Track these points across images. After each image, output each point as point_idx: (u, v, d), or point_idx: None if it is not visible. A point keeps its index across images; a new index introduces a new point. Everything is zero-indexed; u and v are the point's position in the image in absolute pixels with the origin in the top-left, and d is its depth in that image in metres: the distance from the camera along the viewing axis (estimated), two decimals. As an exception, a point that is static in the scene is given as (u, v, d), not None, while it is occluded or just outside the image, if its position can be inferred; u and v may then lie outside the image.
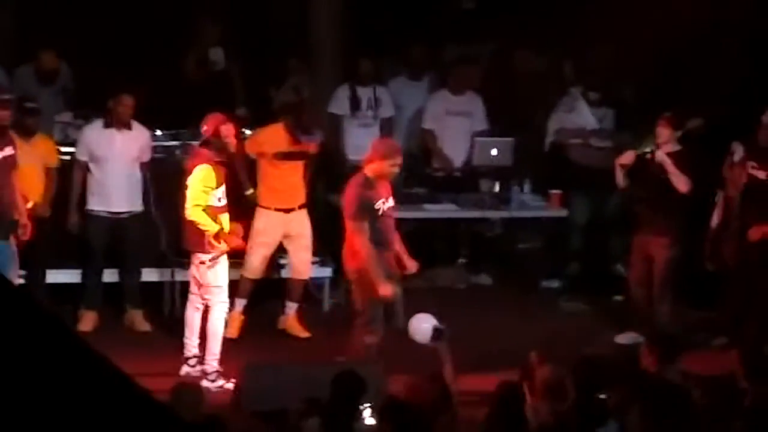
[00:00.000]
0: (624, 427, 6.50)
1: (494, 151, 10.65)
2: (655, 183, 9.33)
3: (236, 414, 7.61)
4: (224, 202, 8.45)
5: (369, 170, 8.36)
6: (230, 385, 8.30)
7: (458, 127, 11.07)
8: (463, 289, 10.61)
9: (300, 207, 9.54)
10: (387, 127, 11.17)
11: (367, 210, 8.23)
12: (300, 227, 9.53)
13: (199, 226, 8.32)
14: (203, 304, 8.56)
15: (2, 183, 8.34)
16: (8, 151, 8.43)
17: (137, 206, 9.59)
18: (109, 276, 9.72)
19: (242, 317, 9.54)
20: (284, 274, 9.83)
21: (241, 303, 9.53)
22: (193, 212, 8.31)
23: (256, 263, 9.51)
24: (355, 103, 11.08)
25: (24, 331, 2.68)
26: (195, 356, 8.58)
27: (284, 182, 9.46)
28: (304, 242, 9.55)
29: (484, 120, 11.15)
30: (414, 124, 11.39)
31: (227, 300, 8.61)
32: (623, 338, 9.50)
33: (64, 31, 10.84)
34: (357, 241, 8.22)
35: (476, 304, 9.45)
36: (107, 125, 9.45)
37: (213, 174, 8.33)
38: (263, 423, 7.24)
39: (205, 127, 8.48)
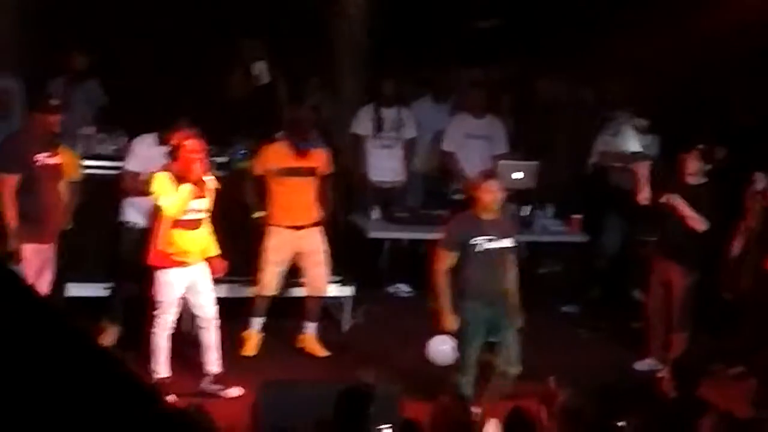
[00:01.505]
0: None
1: (517, 174, 10.66)
2: (669, 220, 9.35)
3: (252, 430, 7.63)
4: (193, 217, 8.42)
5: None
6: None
7: (478, 150, 11.08)
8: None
9: (312, 224, 9.48)
10: (409, 149, 11.21)
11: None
12: (312, 244, 9.47)
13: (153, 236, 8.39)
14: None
15: (52, 189, 8.42)
16: (58, 159, 8.50)
17: None
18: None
19: (260, 335, 9.54)
20: (302, 293, 9.82)
21: (258, 321, 9.53)
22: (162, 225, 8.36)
23: (267, 280, 9.50)
24: (378, 124, 11.10)
25: (44, 337, 2.69)
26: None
27: (293, 199, 9.40)
28: (317, 258, 9.50)
29: (504, 144, 11.16)
30: (436, 146, 11.41)
31: (168, 317, 8.48)
32: (641, 365, 9.50)
33: (102, 46, 10.92)
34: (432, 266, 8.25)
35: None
36: (161, 143, 9.30)
37: (167, 182, 8.29)
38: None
39: (171, 141, 8.49)
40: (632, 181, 10.31)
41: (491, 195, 8.26)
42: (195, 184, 8.32)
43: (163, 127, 9.14)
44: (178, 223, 8.37)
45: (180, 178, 8.31)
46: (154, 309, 8.48)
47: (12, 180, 8.23)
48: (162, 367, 8.46)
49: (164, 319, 8.45)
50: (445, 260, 8.27)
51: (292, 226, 9.43)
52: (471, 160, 11.09)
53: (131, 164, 9.27)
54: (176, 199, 8.30)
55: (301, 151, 9.37)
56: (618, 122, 10.97)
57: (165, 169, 8.36)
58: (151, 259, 8.42)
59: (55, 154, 8.46)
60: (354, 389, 6.91)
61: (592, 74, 11.41)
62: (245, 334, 9.51)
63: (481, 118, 11.19)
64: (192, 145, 8.37)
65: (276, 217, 9.46)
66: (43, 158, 8.33)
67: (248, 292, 9.66)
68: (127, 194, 9.29)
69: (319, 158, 9.49)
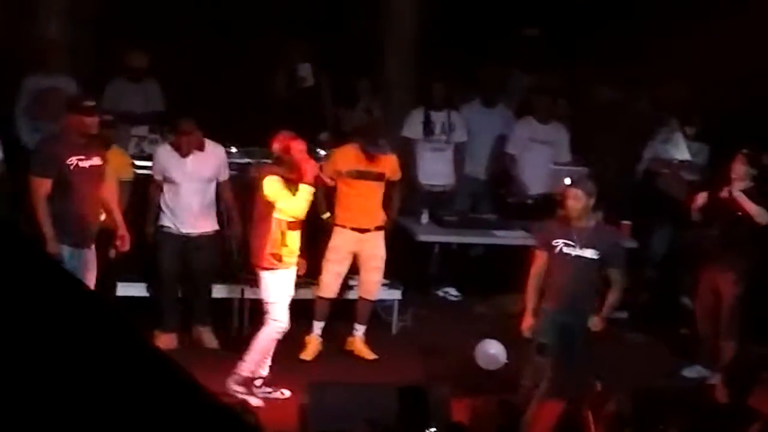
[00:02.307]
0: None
1: (568, 180, 10.62)
2: (726, 219, 9.28)
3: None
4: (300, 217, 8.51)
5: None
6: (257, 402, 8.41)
7: (540, 156, 11.05)
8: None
9: (376, 228, 9.51)
10: (459, 153, 11.21)
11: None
12: (373, 249, 9.50)
13: (262, 239, 8.42)
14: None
15: (87, 192, 8.29)
16: (96, 160, 8.35)
17: (207, 227, 9.54)
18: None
19: (319, 340, 9.56)
20: (353, 295, 9.84)
21: (319, 326, 9.55)
22: (258, 224, 8.43)
23: (328, 281, 9.53)
24: (428, 128, 11.11)
25: (96, 333, 2.70)
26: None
27: (359, 202, 9.45)
28: (375, 264, 9.53)
29: (567, 152, 11.13)
30: (485, 150, 11.40)
31: (282, 319, 8.57)
32: (689, 372, 9.46)
33: (151, 49, 11.00)
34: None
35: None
36: (176, 149, 9.41)
37: (280, 185, 8.37)
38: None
39: (275, 145, 8.54)
40: (681, 188, 10.28)
41: (573, 201, 8.25)
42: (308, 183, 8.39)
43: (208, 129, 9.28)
44: (290, 225, 8.43)
45: (289, 180, 8.37)
46: (266, 312, 8.54)
47: (45, 184, 8.12)
48: (263, 368, 8.62)
49: (280, 322, 8.53)
50: (537, 262, 8.28)
51: (356, 228, 9.47)
52: (532, 164, 11.08)
53: (155, 172, 9.44)
54: (299, 201, 8.37)
55: (371, 156, 9.42)
56: (668, 129, 10.93)
57: (273, 172, 8.41)
58: (264, 262, 8.47)
59: (92, 157, 8.32)
60: (409, 389, 6.93)
61: (643, 81, 11.36)
62: (307, 338, 9.54)
63: (546, 123, 11.18)
64: (299, 146, 8.45)
65: (341, 218, 9.52)
66: (77, 161, 8.20)
67: (307, 294, 9.70)
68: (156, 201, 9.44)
69: (389, 164, 9.54)
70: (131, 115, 10.65)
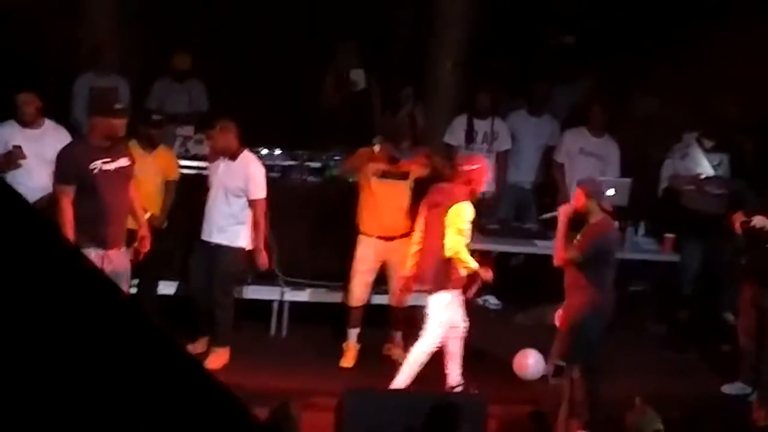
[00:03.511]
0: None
1: (611, 191, 10.57)
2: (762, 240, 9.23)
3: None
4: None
5: None
6: None
7: (589, 168, 10.90)
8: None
9: (402, 236, 9.36)
10: (502, 161, 11.17)
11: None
12: (401, 257, 9.31)
13: (460, 264, 8.47)
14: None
15: (115, 194, 8.24)
16: (123, 162, 8.31)
17: (226, 241, 9.15)
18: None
19: (357, 346, 9.55)
20: (388, 300, 9.81)
21: (354, 332, 9.53)
22: (456, 248, 8.46)
23: (357, 292, 9.49)
24: (470, 136, 11.08)
25: (127, 339, 2.70)
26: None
27: (384, 207, 9.35)
28: (403, 272, 9.43)
29: (617, 167, 11.03)
30: (530, 159, 11.36)
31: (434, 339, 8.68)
32: (730, 389, 9.38)
33: (201, 49, 11.05)
34: None
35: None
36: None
37: (472, 211, 8.51)
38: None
39: (474, 166, 8.70)
40: (711, 203, 10.21)
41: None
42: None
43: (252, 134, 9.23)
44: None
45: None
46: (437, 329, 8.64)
47: (67, 191, 8.10)
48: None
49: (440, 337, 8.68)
50: None
51: (383, 236, 9.40)
52: (580, 175, 11.00)
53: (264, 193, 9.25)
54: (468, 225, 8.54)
55: (394, 159, 9.38)
56: (684, 145, 10.82)
57: (465, 197, 8.55)
58: (456, 284, 8.58)
59: (118, 159, 8.28)
60: (446, 401, 6.92)
61: (684, 93, 11.29)
62: (344, 345, 9.53)
63: (599, 137, 11.09)
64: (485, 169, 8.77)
65: (366, 226, 9.44)
66: (102, 164, 8.16)
67: (338, 297, 9.70)
68: None
69: (414, 164, 9.44)
70: (176, 115, 10.69)
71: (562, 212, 8.40)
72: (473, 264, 8.49)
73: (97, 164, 8.14)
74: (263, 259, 9.13)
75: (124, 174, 8.33)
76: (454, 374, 8.77)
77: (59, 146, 8.53)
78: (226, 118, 9.21)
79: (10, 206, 2.64)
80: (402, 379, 8.59)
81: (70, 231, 7.98)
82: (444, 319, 8.63)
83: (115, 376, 2.58)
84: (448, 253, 8.46)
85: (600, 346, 8.24)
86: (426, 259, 8.69)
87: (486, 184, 10.95)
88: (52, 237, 2.77)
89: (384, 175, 9.35)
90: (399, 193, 9.38)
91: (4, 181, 2.72)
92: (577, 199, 8.35)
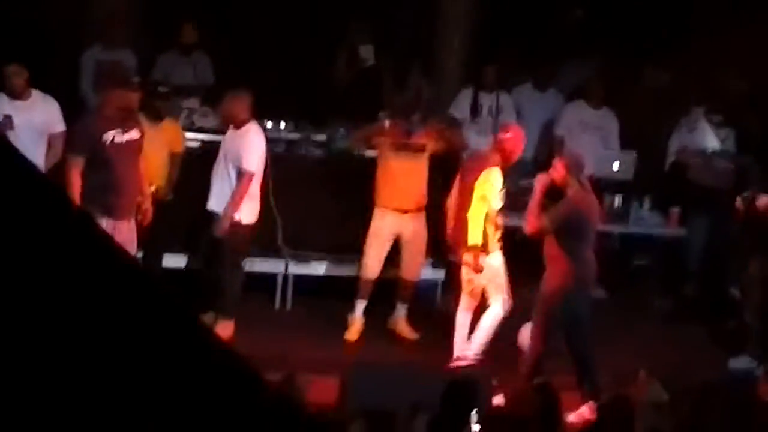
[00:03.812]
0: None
1: (616, 165, 10.55)
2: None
3: (339, 411, 7.64)
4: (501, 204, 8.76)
5: None
6: None
7: (588, 141, 10.91)
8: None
9: (417, 209, 9.44)
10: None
11: None
12: (415, 230, 9.42)
13: (468, 232, 8.55)
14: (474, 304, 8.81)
15: (125, 166, 8.34)
16: (134, 134, 8.43)
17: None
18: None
19: (362, 319, 9.51)
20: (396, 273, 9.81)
21: (362, 305, 9.50)
22: (473, 215, 8.54)
23: (371, 263, 9.49)
24: (475, 109, 11.06)
25: (139, 304, 2.69)
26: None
27: (401, 180, 9.35)
28: (418, 246, 9.46)
29: (616, 139, 11.03)
30: (535, 133, 11.33)
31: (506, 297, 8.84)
32: (736, 362, 9.38)
33: (209, 22, 11.02)
34: None
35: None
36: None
37: (501, 178, 8.60)
38: (366, 422, 7.26)
39: (508, 135, 8.79)
40: (717, 177, 10.20)
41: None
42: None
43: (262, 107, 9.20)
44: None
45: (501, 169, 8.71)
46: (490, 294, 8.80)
47: (78, 161, 8.21)
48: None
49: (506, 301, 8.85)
50: None
51: (398, 209, 9.40)
52: (580, 148, 10.98)
53: (254, 166, 9.15)
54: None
55: (408, 131, 9.37)
56: (692, 119, 10.81)
57: (494, 164, 8.65)
58: (489, 247, 8.68)
59: (129, 131, 8.38)
60: (463, 382, 6.92)
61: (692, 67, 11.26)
62: (350, 317, 9.51)
63: (598, 109, 11.09)
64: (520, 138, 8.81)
65: (382, 199, 9.43)
66: (114, 135, 8.27)
67: (343, 270, 9.70)
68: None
69: (429, 137, 9.44)
70: (182, 87, 10.66)
71: (539, 181, 8.41)
72: (476, 239, 8.49)
73: (110, 136, 8.25)
74: (222, 225, 9.01)
75: (135, 146, 8.44)
76: (461, 346, 8.76)
77: (47, 116, 8.67)
78: (241, 89, 9.21)
79: (21, 173, 2.62)
80: (476, 347, 8.72)
81: (76, 201, 7.99)
82: (502, 277, 8.76)
83: (127, 341, 2.57)
84: (468, 215, 8.54)
85: (589, 321, 8.24)
86: (461, 225, 8.71)
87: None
88: (63, 201, 2.77)
89: (400, 148, 9.36)
90: (416, 166, 9.39)
91: (15, 148, 2.70)
92: (557, 170, 8.34)
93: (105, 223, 8.04)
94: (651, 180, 10.90)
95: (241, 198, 8.97)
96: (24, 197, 2.58)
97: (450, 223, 9.01)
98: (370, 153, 9.67)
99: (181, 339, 2.70)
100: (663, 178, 11.00)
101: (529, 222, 8.38)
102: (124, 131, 8.32)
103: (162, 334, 2.66)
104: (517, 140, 8.86)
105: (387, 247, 9.52)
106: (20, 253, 2.49)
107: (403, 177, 9.35)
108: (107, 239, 3.00)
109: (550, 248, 8.26)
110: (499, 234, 8.80)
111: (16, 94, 9.14)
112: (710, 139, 10.66)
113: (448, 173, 9.96)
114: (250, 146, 9.03)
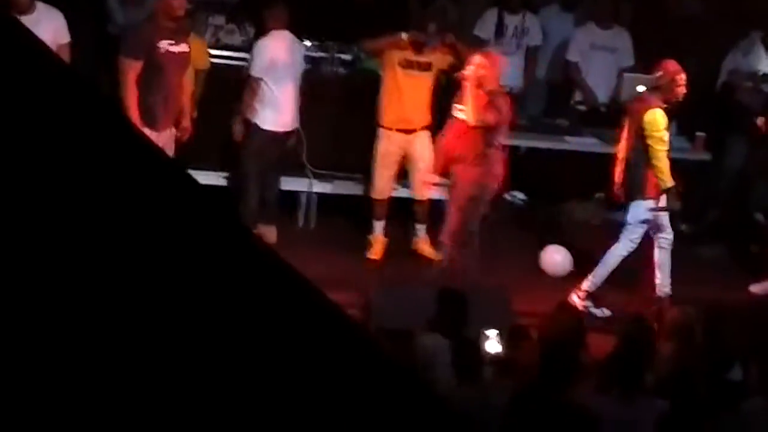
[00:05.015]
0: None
1: (641, 88, 10.48)
2: None
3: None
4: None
5: None
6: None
7: (603, 62, 10.88)
8: (598, 224, 10.47)
9: (423, 128, 9.40)
10: (533, 56, 11.07)
11: None
12: (421, 149, 9.37)
13: (658, 174, 8.42)
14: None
15: (174, 77, 8.40)
16: (184, 47, 8.47)
17: (258, 119, 9.40)
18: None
19: (385, 239, 9.53)
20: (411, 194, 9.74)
21: (380, 225, 9.52)
22: (659, 157, 8.41)
23: (380, 185, 9.51)
24: (500, 30, 10.97)
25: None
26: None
27: (407, 98, 9.31)
28: (424, 164, 9.36)
29: (630, 56, 10.94)
30: (560, 55, 11.25)
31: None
32: (758, 288, 9.39)
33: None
34: None
35: (610, 240, 9.38)
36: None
37: (665, 119, 8.44)
38: (388, 341, 7.29)
39: (660, 73, 8.60)
40: (761, 101, 10.13)
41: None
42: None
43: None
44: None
45: (665, 110, 8.52)
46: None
47: (135, 66, 8.23)
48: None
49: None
50: None
51: (402, 129, 9.38)
52: (595, 71, 10.93)
53: (255, 70, 9.31)
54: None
55: (419, 46, 9.29)
56: (749, 42, 10.73)
57: (655, 105, 8.50)
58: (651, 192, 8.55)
59: (180, 42, 8.42)
60: (450, 291, 6.96)
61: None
62: (371, 237, 9.53)
63: (608, 29, 10.99)
64: (683, 79, 8.56)
65: (387, 119, 9.41)
66: (168, 45, 8.31)
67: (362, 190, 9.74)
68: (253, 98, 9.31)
69: (439, 55, 9.35)
70: (208, 3, 10.59)
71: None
72: (668, 180, 8.48)
73: (164, 44, 8.29)
74: (234, 128, 9.24)
75: (184, 59, 8.50)
76: (664, 284, 8.70)
77: (54, 29, 8.65)
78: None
79: (69, 81, 2.60)
80: (595, 281, 8.68)
81: (133, 108, 8.14)
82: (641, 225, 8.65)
83: (187, 256, 2.52)
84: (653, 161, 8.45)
85: None
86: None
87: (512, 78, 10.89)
88: (114, 113, 2.73)
89: (408, 65, 9.30)
90: (421, 84, 9.34)
91: (59, 59, 2.65)
92: None
93: (148, 132, 8.06)
94: (679, 104, 10.82)
95: (250, 99, 9.23)
96: (71, 103, 2.53)
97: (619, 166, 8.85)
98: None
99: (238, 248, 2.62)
100: (688, 102, 10.93)
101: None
102: (176, 42, 8.37)
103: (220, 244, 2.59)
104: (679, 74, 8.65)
105: (395, 167, 9.51)
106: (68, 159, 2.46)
107: (408, 95, 9.31)
108: (159, 151, 2.93)
109: None
110: None
111: (22, 11, 9.10)
112: (763, 63, 10.61)
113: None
114: (253, 50, 9.37)
